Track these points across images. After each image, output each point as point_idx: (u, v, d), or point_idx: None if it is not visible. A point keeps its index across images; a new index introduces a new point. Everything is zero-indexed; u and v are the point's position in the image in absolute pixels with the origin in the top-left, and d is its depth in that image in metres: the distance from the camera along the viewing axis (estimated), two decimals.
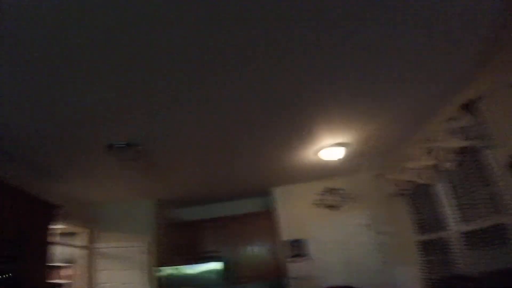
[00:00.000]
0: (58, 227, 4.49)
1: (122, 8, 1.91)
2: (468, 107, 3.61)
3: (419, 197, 5.18)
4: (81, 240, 5.39)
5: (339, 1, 2.15)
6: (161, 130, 3.57)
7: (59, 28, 2.01)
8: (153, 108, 3.11)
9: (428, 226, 5.00)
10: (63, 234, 5.14)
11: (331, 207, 6.33)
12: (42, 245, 3.87)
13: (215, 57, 2.49)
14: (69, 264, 5.55)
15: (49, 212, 4.06)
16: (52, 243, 4.09)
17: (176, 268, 5.50)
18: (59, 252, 5.25)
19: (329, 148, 4.88)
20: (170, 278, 5.40)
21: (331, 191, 6.43)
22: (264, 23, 2.24)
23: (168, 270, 5.46)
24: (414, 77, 3.36)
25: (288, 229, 6.20)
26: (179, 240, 6.22)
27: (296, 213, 6.34)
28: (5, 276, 2.98)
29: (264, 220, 6.44)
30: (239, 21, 2.18)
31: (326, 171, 5.98)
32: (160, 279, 5.38)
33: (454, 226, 4.25)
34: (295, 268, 5.87)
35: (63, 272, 5.46)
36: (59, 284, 5.27)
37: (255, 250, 6.24)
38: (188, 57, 2.45)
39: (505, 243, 3.34)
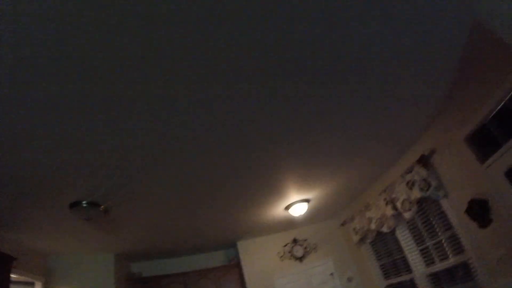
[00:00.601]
0: (12, 277, 4.11)
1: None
2: (422, 160, 4.10)
3: (381, 243, 5.55)
4: None
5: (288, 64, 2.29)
6: (122, 187, 3.50)
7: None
8: (114, 167, 3.07)
9: (392, 270, 5.35)
10: (15, 283, 4.68)
11: (295, 258, 6.49)
12: None
13: (186, 112, 2.53)
14: None
15: (5, 264, 3.77)
16: None
17: None
18: None
19: (293, 205, 5.20)
20: None
21: (294, 242, 6.63)
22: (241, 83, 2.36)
23: None
24: (370, 135, 3.70)
25: (255, 283, 6.17)
26: None
27: (262, 266, 6.38)
28: None
29: (231, 274, 6.36)
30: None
31: (290, 223, 6.21)
32: None
33: (418, 269, 4.62)
34: None
35: None
36: None
37: None
38: (152, 114, 2.45)
39: (470, 279, 3.74)
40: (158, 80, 2.15)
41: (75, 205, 3.62)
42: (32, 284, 4.97)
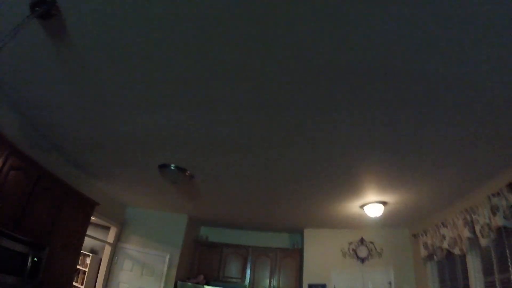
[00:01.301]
0: (92, 219, 4.74)
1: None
2: None
3: (448, 265, 5.07)
4: (108, 235, 5.61)
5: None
6: (211, 159, 3.81)
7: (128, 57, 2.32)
8: (208, 141, 3.37)
9: None
10: (92, 223, 5.38)
11: (358, 257, 6.29)
12: (76, 236, 4.17)
13: (279, 111, 2.75)
14: (91, 254, 5.80)
15: (88, 207, 4.38)
16: (84, 235, 4.37)
17: (196, 286, 5.60)
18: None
19: (369, 204, 5.03)
20: None
21: (361, 242, 6.41)
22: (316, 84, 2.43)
23: (187, 286, 5.57)
24: (462, 152, 3.43)
25: (311, 272, 6.21)
26: (203, 259, 6.36)
27: (323, 258, 6.36)
28: (34, 260, 3.31)
29: (291, 258, 6.47)
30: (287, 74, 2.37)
31: (360, 222, 6.02)
32: None
33: None
34: None
35: (82, 260, 5.69)
36: (78, 271, 5.51)
37: (277, 286, 6.24)
38: (251, 104, 2.71)
39: None
40: (264, 81, 2.39)
41: (164, 166, 4.03)
42: (108, 228, 5.70)
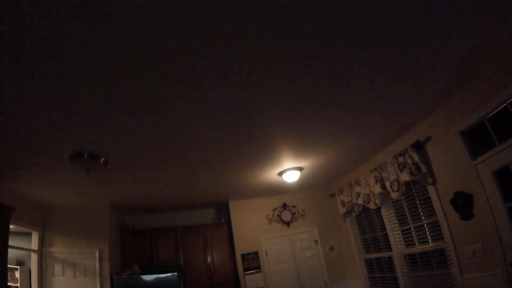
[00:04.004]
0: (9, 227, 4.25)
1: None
2: (416, 145, 4.18)
3: (366, 218, 5.76)
4: (31, 242, 5.13)
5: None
6: (122, 142, 3.48)
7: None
8: (116, 120, 3.06)
9: (373, 246, 5.60)
10: (13, 233, 4.85)
11: (283, 222, 6.74)
12: None
13: (186, 83, 2.58)
14: (18, 267, 5.27)
15: (4, 215, 3.88)
16: (7, 247, 3.92)
17: (131, 277, 5.47)
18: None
19: (286, 171, 5.31)
20: (125, 287, 5.37)
21: (284, 207, 6.86)
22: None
23: (123, 279, 5.41)
24: (370, 114, 3.70)
25: (242, 242, 6.47)
26: (134, 248, 6.17)
27: (251, 226, 6.64)
28: None
29: (221, 232, 6.63)
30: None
31: (281, 188, 6.39)
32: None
33: (398, 248, 4.85)
34: (249, 279, 6.16)
35: (12, 275, 5.16)
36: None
37: (212, 261, 6.38)
38: (156, 83, 2.52)
39: (445, 266, 3.95)
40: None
41: (75, 156, 3.68)
42: (29, 234, 5.15)
